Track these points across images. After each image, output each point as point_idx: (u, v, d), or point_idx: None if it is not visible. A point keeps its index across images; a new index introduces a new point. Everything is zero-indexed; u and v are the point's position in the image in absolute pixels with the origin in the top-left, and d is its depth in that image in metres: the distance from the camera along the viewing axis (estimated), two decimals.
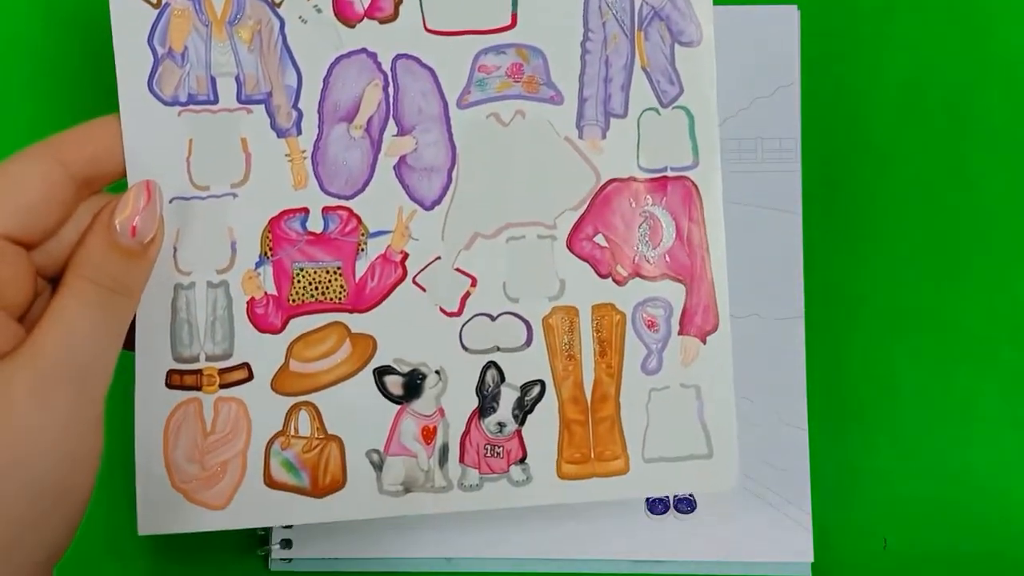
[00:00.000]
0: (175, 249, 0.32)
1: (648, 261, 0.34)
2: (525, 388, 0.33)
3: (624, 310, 0.34)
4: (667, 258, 0.34)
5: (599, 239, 0.34)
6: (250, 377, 0.32)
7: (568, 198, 0.34)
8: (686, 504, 0.41)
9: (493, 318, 0.33)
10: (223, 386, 0.32)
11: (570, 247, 0.34)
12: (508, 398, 0.33)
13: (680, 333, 0.34)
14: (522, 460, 0.33)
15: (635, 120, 0.34)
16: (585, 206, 0.34)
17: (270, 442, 0.32)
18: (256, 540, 0.41)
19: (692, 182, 0.34)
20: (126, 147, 0.31)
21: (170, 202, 0.32)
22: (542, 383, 0.33)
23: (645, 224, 0.34)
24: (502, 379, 0.33)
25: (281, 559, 0.40)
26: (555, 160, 0.33)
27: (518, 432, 0.33)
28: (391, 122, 0.33)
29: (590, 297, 0.34)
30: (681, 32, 0.34)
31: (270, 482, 0.32)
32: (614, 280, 0.34)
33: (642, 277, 0.34)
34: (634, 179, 0.34)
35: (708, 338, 0.34)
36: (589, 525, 0.41)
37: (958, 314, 0.42)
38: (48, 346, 0.28)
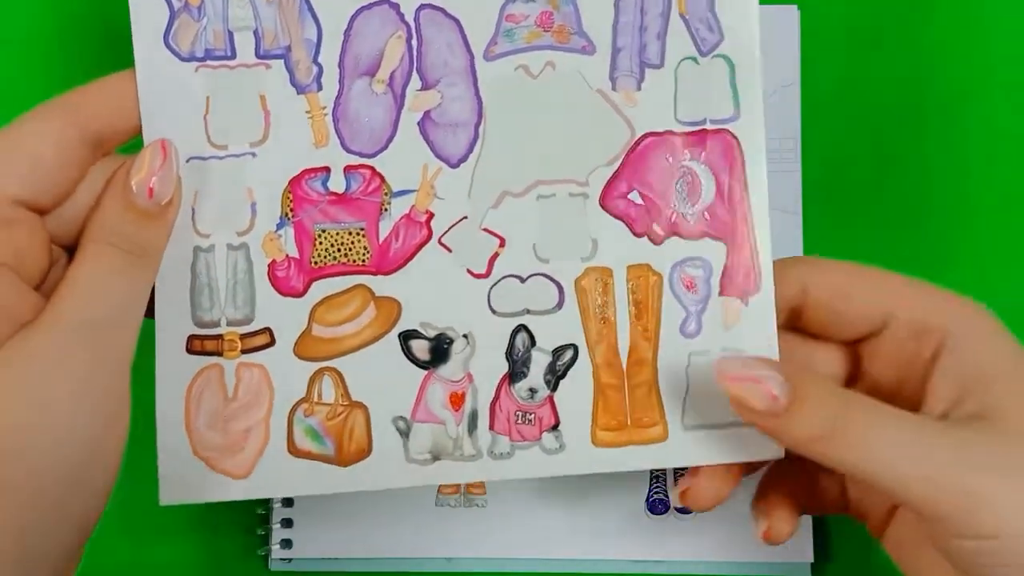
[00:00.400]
0: (193, 211, 0.31)
1: (686, 219, 0.32)
2: (557, 352, 0.32)
3: (661, 271, 0.32)
4: (706, 215, 0.32)
5: (634, 196, 0.32)
6: (272, 342, 0.31)
7: (601, 153, 0.32)
8: None
9: (523, 280, 0.32)
10: (245, 351, 0.31)
11: (603, 205, 0.32)
12: (539, 363, 0.32)
13: (721, 294, 0.32)
14: (555, 427, 0.32)
15: (672, 70, 0.32)
16: (619, 162, 0.32)
17: (293, 409, 0.31)
18: (256, 540, 0.41)
19: (733, 135, 0.32)
20: (141, 104, 0.30)
21: (187, 161, 0.31)
22: (575, 347, 0.32)
23: (683, 180, 0.32)
24: (533, 343, 0.32)
25: (281, 559, 0.40)
26: (587, 114, 0.32)
27: (550, 398, 0.32)
28: (415, 76, 0.31)
29: (625, 257, 0.32)
30: None
31: (293, 450, 0.31)
32: (650, 239, 0.32)
33: (680, 236, 0.32)
34: (671, 133, 0.32)
35: (750, 299, 0.32)
36: (589, 525, 0.40)
37: None
38: (66, 313, 0.27)
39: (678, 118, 0.32)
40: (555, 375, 0.32)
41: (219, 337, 0.31)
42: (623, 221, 0.32)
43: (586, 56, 0.32)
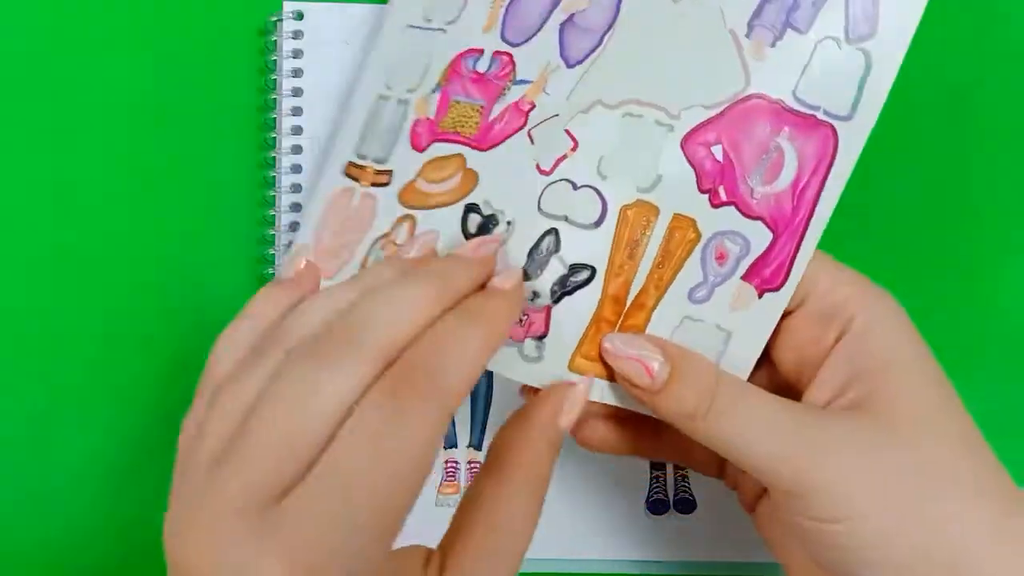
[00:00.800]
0: (390, 67, 0.37)
1: (752, 196, 0.30)
2: (573, 268, 0.31)
3: (702, 232, 0.30)
4: (771, 200, 0.30)
5: (716, 150, 0.30)
6: (389, 183, 0.35)
7: (706, 94, 0.31)
8: (686, 504, 0.40)
9: (575, 187, 0.32)
10: (372, 184, 0.36)
11: (683, 145, 0.31)
12: (554, 271, 0.31)
13: (743, 278, 0.30)
14: (541, 337, 0.31)
15: (813, 43, 0.30)
16: (719, 109, 0.31)
17: (375, 241, 0.35)
18: None
19: (836, 134, 0.29)
20: None
21: (405, 28, 0.37)
22: (592, 270, 0.31)
23: (769, 156, 0.30)
24: (556, 249, 0.31)
25: None
26: (710, 50, 0.31)
27: (547, 308, 0.31)
28: None
29: (678, 204, 0.31)
30: None
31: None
32: (710, 200, 0.30)
33: (738, 208, 0.30)
34: (782, 104, 0.30)
35: (767, 295, 0.30)
36: (589, 525, 0.40)
37: (958, 314, 0.41)
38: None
39: (796, 93, 0.30)
40: (563, 288, 0.31)
41: (363, 167, 0.36)
42: (695, 170, 0.31)
43: None
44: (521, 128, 0.33)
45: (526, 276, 0.32)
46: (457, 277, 0.28)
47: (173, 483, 0.26)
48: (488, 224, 0.33)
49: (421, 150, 0.36)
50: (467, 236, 0.33)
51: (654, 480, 0.40)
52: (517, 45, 0.35)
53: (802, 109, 0.30)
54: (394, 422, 0.24)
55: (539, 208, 0.32)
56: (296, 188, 0.41)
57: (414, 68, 0.37)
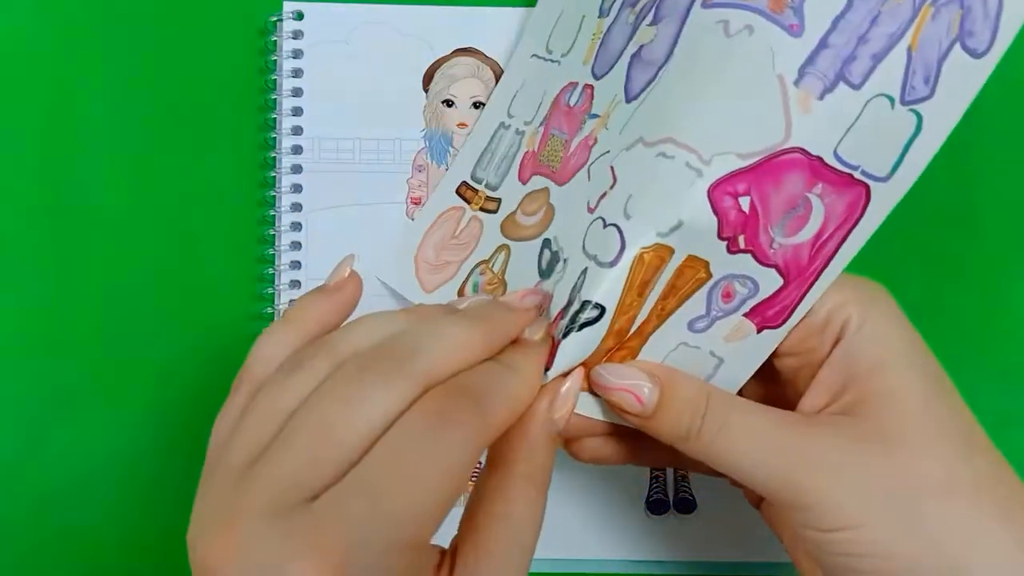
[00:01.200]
0: (515, 95, 0.38)
1: (771, 247, 0.29)
2: (585, 306, 0.30)
3: (714, 273, 0.30)
4: (790, 251, 0.29)
5: (743, 201, 0.28)
6: (497, 211, 0.36)
7: (742, 142, 0.28)
8: (686, 504, 0.39)
9: (605, 224, 0.30)
10: (481, 209, 0.37)
11: (710, 193, 0.28)
12: (571, 309, 0.30)
13: (744, 315, 0.30)
14: (544, 370, 0.30)
15: (865, 99, 0.28)
16: (754, 160, 0.28)
17: (477, 265, 0.36)
18: None
19: (869, 194, 0.28)
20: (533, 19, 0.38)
21: (531, 57, 0.37)
22: (603, 309, 0.29)
23: (796, 210, 0.29)
24: (580, 288, 0.30)
25: None
26: (754, 95, 0.28)
27: (555, 343, 0.30)
28: (652, 10, 0.32)
29: (694, 248, 0.29)
30: (971, 33, 0.27)
31: (460, 292, 0.36)
32: (728, 247, 0.29)
33: (755, 256, 0.29)
34: (821, 161, 0.28)
35: (765, 331, 0.30)
36: (589, 525, 0.40)
37: (958, 314, 0.41)
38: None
39: (837, 152, 0.28)
40: (573, 324, 0.30)
41: (476, 191, 0.37)
42: (718, 219, 0.29)
43: (789, 36, 0.28)
44: (584, 164, 0.33)
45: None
46: (502, 324, 0.29)
47: (201, 482, 0.26)
48: (553, 262, 0.33)
49: (524, 182, 0.36)
50: (540, 272, 0.34)
51: (654, 480, 0.40)
52: (599, 78, 0.34)
53: (841, 168, 0.28)
54: (435, 437, 0.25)
55: (583, 247, 0.31)
56: (296, 188, 0.41)
57: (532, 99, 0.37)
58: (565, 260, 0.31)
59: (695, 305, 0.30)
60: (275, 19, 0.42)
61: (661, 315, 0.30)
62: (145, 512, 0.42)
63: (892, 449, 0.28)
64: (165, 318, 0.42)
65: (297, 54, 0.41)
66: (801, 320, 0.30)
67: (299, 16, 0.41)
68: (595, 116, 0.33)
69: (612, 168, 0.30)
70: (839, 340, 0.30)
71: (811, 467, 0.28)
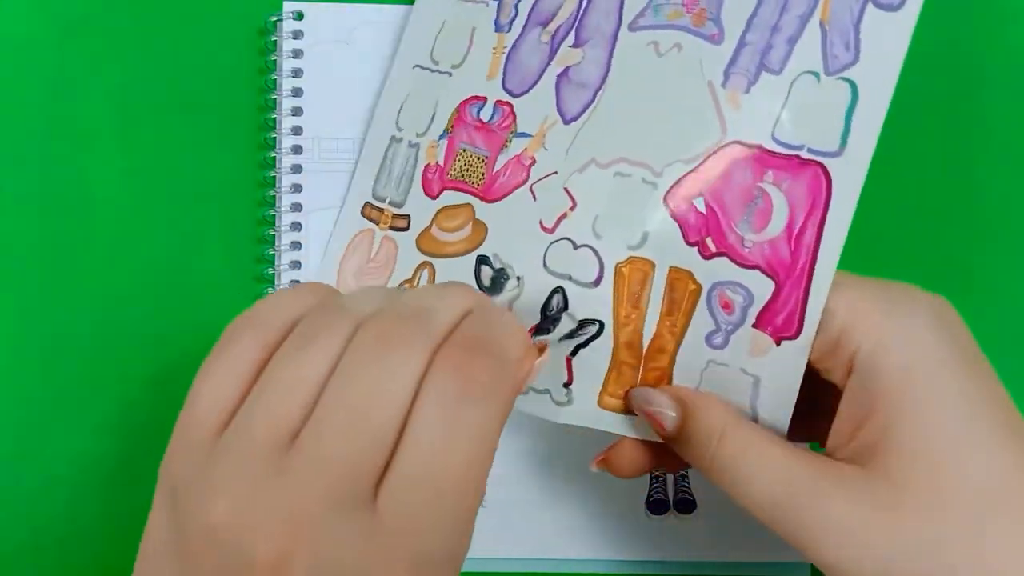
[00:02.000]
0: (402, 107, 0.37)
1: (743, 245, 0.29)
2: (582, 323, 0.31)
3: (702, 283, 0.30)
4: (766, 248, 0.29)
5: (698, 202, 0.30)
6: (407, 227, 0.36)
7: (683, 149, 0.30)
8: (686, 504, 0.39)
9: (575, 247, 0.32)
10: (390, 228, 0.37)
11: (666, 201, 0.31)
12: (564, 327, 0.32)
13: (754, 326, 0.29)
14: (567, 385, 0.32)
15: (788, 81, 0.29)
16: (697, 163, 0.30)
17: (399, 285, 0.36)
18: None
19: (826, 172, 0.28)
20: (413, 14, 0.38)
21: (412, 68, 0.37)
22: (600, 324, 0.31)
23: (755, 203, 0.29)
24: (565, 307, 0.32)
25: None
26: (689, 104, 0.30)
27: (568, 360, 0.32)
28: (572, 33, 0.33)
29: (670, 259, 0.31)
30: None
31: None
32: (700, 252, 0.30)
33: (730, 259, 0.29)
34: (761, 148, 0.29)
35: (784, 342, 0.28)
36: (589, 525, 0.40)
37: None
38: None
39: (775, 136, 0.29)
40: (576, 341, 0.31)
41: (381, 210, 0.37)
42: (679, 225, 0.31)
43: (712, 45, 0.30)
44: (524, 183, 0.34)
45: (542, 331, 0.32)
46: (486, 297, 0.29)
47: (178, 429, 0.25)
48: (500, 278, 0.34)
49: (434, 197, 0.36)
50: (481, 288, 0.34)
51: (654, 480, 0.40)
52: (518, 96, 0.35)
53: (782, 150, 0.29)
54: (472, 407, 0.23)
55: (544, 266, 0.32)
56: (296, 188, 0.41)
57: (423, 111, 0.37)
58: (519, 277, 0.33)
59: (703, 319, 0.30)
60: (275, 19, 0.42)
61: (674, 331, 0.31)
62: (145, 512, 0.42)
63: (906, 511, 0.26)
64: (165, 318, 0.42)
65: (297, 54, 0.41)
66: (817, 331, 0.28)
67: (299, 16, 0.41)
68: (525, 135, 0.34)
69: (567, 190, 0.32)
70: (852, 364, 0.28)
71: (817, 521, 0.27)
